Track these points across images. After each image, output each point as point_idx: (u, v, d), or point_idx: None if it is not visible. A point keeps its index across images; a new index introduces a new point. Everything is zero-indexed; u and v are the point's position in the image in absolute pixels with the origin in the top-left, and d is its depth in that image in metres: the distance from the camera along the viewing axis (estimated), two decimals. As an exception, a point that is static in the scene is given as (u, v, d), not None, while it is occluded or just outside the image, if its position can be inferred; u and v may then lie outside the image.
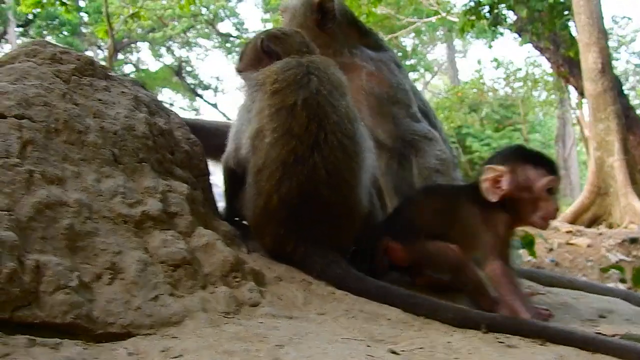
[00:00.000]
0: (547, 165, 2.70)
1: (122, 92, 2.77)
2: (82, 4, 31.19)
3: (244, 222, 3.06)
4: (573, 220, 13.47)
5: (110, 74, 2.87)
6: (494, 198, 2.65)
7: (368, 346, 2.04)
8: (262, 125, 2.80)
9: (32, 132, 2.24)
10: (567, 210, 14.93)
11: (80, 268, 2.03)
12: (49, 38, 30.49)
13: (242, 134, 2.94)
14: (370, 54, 3.81)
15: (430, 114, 3.98)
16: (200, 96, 39.87)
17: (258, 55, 3.17)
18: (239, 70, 3.24)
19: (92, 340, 1.89)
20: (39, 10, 15.89)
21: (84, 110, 2.50)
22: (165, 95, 40.35)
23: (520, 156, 2.75)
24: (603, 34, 14.18)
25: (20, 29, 31.69)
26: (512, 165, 2.68)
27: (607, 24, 20.49)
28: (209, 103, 40.49)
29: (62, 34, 31.48)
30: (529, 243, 6.82)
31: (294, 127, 2.75)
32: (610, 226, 13.20)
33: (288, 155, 2.73)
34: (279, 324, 2.17)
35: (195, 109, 41.00)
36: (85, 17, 32.29)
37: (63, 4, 15.37)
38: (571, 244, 10.10)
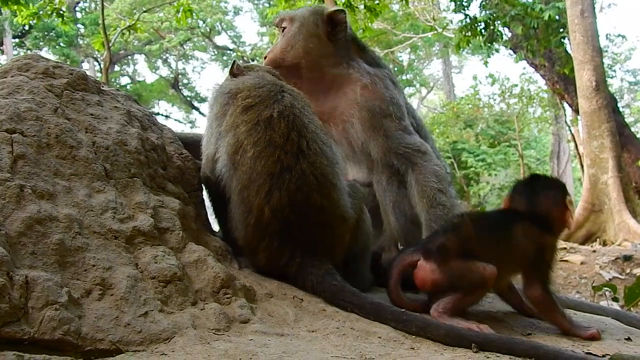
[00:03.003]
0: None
1: (115, 106, 2.77)
2: (79, 15, 31.28)
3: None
4: (567, 237, 13.47)
5: (103, 88, 2.87)
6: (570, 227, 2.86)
7: (358, 364, 2.03)
8: (240, 140, 2.80)
9: (23, 147, 2.24)
10: (562, 226, 14.90)
11: (70, 284, 2.03)
12: (45, 49, 30.59)
13: (213, 144, 2.96)
14: (367, 68, 3.80)
15: (422, 131, 3.95)
16: (197, 109, 39.90)
17: None
18: None
19: (81, 356, 1.89)
20: (35, 21, 15.86)
21: (76, 125, 2.50)
22: (162, 108, 40.45)
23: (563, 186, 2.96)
24: (598, 52, 14.26)
25: (17, 40, 31.70)
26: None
27: (602, 42, 20.54)
28: (205, 115, 40.49)
29: (58, 45, 31.55)
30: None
31: (275, 138, 2.77)
32: (604, 243, 13.21)
33: (274, 166, 2.74)
34: (269, 341, 2.16)
35: (192, 122, 41.09)
36: (82, 29, 32.36)
37: (60, 15, 15.42)
38: (565, 261, 10.09)
